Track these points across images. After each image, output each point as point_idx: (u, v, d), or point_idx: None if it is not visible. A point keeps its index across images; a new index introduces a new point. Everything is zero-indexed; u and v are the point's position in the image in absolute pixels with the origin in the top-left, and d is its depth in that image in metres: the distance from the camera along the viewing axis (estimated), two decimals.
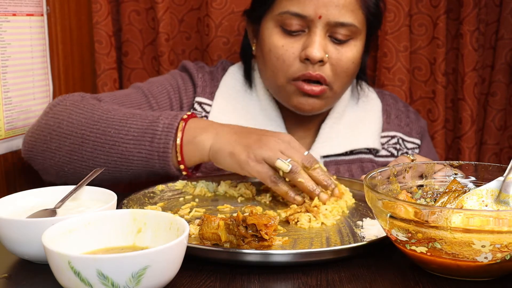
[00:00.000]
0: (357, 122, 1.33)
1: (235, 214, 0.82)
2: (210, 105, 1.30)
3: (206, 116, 1.28)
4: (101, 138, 1.07)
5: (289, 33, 1.18)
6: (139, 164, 1.06)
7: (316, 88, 1.18)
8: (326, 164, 1.29)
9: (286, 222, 0.95)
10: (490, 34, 1.57)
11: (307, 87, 1.18)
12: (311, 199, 0.99)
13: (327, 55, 1.17)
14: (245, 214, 0.81)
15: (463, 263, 0.71)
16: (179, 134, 1.05)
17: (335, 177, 1.09)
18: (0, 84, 1.21)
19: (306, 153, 1.02)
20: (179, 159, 1.06)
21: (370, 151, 1.32)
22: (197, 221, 0.88)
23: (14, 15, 1.24)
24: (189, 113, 1.09)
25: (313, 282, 0.75)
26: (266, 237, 0.79)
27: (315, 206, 0.97)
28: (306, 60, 1.17)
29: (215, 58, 1.54)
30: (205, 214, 0.83)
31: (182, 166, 1.07)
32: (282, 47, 1.18)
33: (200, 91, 1.31)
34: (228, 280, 0.75)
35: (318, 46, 1.15)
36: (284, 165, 0.98)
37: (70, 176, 1.11)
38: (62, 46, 1.41)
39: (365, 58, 1.34)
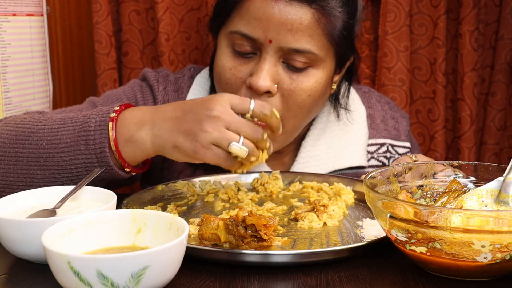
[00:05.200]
0: (340, 135, 1.23)
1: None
2: None
3: None
4: (35, 152, 0.96)
5: (240, 54, 1.06)
6: (80, 172, 0.96)
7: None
8: None
9: (288, 221, 0.95)
10: (490, 34, 1.57)
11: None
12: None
13: (276, 85, 1.04)
14: (244, 215, 0.81)
15: (463, 263, 0.71)
16: (112, 134, 0.94)
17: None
18: (0, 84, 1.21)
19: (252, 103, 0.93)
20: (120, 161, 0.96)
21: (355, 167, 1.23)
22: (197, 221, 0.88)
23: (14, 15, 1.24)
24: (117, 108, 0.97)
25: (313, 282, 0.75)
26: (265, 237, 0.79)
27: (323, 206, 0.96)
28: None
29: None
30: (204, 214, 0.83)
31: (127, 169, 0.98)
32: (230, 70, 1.07)
33: None
34: (228, 280, 0.75)
35: (265, 74, 1.02)
36: (241, 152, 0.91)
37: None
38: (62, 46, 1.41)
39: (341, 85, 1.21)
